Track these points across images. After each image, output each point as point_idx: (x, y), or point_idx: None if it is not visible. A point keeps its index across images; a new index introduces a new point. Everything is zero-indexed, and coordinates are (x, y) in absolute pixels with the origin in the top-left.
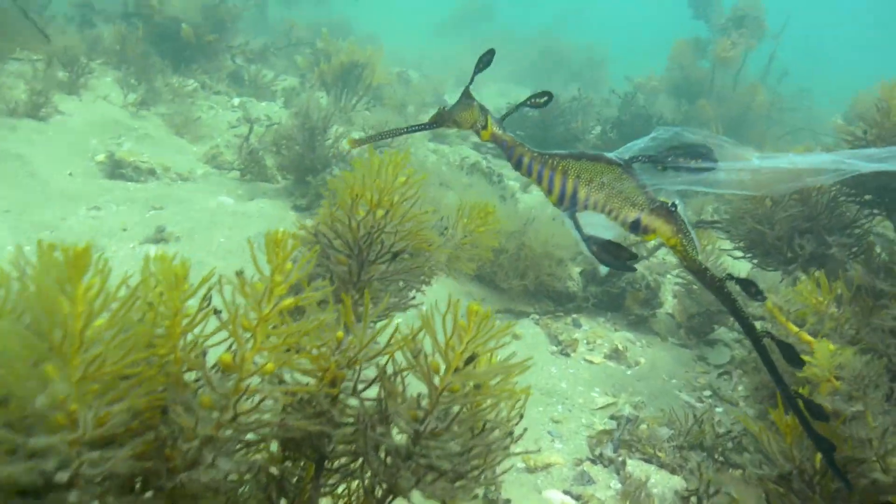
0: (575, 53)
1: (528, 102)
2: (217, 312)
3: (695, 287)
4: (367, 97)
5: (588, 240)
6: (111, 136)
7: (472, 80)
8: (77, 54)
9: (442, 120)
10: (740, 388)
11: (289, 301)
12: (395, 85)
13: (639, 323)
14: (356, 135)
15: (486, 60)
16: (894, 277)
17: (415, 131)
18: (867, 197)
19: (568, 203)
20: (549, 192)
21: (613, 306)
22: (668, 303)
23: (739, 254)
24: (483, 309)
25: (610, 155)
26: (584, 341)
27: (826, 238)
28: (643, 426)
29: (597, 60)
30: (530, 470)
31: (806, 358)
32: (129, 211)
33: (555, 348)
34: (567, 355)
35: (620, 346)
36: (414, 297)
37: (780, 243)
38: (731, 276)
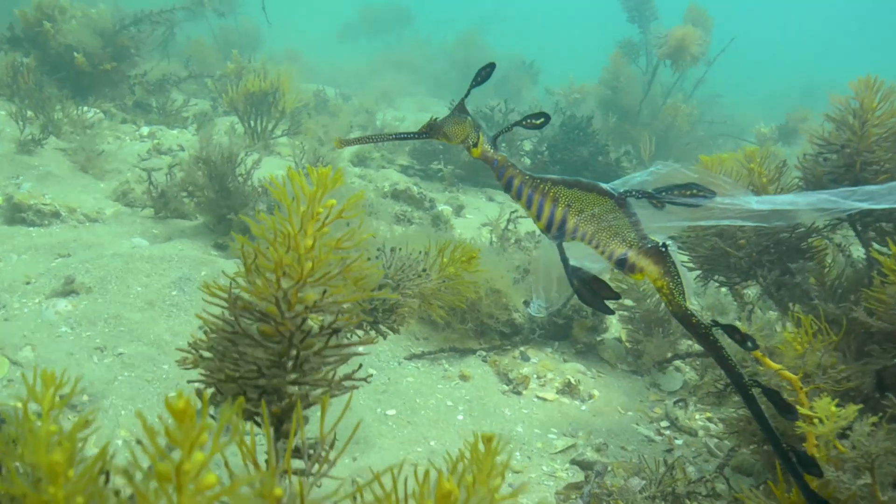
0: (500, 63)
1: (524, 123)
2: None
3: (637, 314)
4: (286, 121)
5: (572, 272)
6: (8, 177)
7: (467, 93)
8: None
9: (432, 132)
10: (697, 416)
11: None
12: (311, 108)
13: (587, 351)
14: (276, 163)
15: (484, 74)
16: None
17: (403, 139)
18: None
19: (555, 231)
20: (536, 218)
21: (560, 335)
22: (614, 326)
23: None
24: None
25: (605, 186)
26: (535, 376)
27: (790, 265)
28: (613, 479)
29: (523, 71)
30: None
31: (802, 410)
32: (32, 260)
33: (506, 387)
34: (519, 394)
35: (573, 380)
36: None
37: (745, 265)
38: (716, 323)
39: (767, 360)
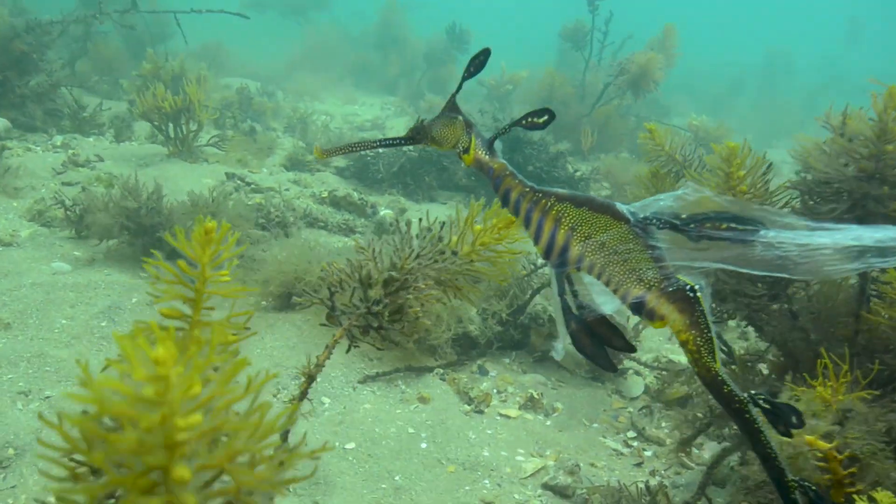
0: (429, 53)
1: (524, 122)
2: None
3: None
4: (210, 127)
5: (568, 313)
6: None
7: (459, 86)
8: None
9: (419, 136)
10: (664, 423)
11: None
12: (235, 109)
13: (545, 359)
14: (205, 170)
15: (478, 63)
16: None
17: (388, 146)
18: None
19: (555, 259)
20: (535, 241)
21: (518, 345)
22: None
23: None
24: None
25: (622, 207)
26: (495, 391)
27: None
28: None
29: (454, 41)
30: None
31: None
32: None
33: (467, 407)
34: (481, 413)
35: (535, 394)
36: None
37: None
38: (757, 396)
39: (833, 458)
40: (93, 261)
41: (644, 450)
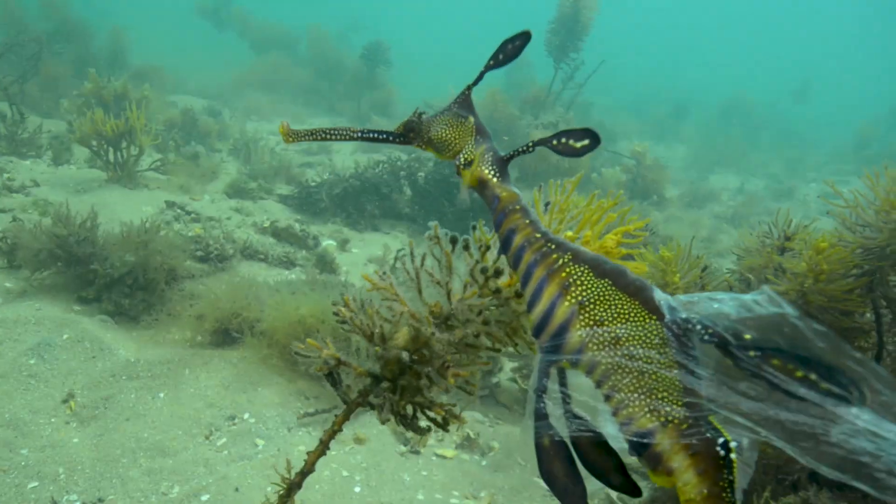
0: (369, 77)
1: (555, 144)
2: None
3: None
4: (151, 151)
5: (544, 423)
6: None
7: (480, 75)
8: None
9: (412, 133)
10: None
11: None
12: (177, 131)
13: (484, 396)
14: (144, 197)
15: (514, 47)
16: None
17: (370, 139)
18: None
19: (547, 340)
20: (528, 306)
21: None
22: (508, 365)
23: None
24: None
25: (659, 295)
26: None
27: None
28: None
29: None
30: None
31: None
32: None
33: (403, 448)
34: (417, 453)
35: (472, 433)
36: None
37: None
38: None
39: None
40: (24, 293)
41: None
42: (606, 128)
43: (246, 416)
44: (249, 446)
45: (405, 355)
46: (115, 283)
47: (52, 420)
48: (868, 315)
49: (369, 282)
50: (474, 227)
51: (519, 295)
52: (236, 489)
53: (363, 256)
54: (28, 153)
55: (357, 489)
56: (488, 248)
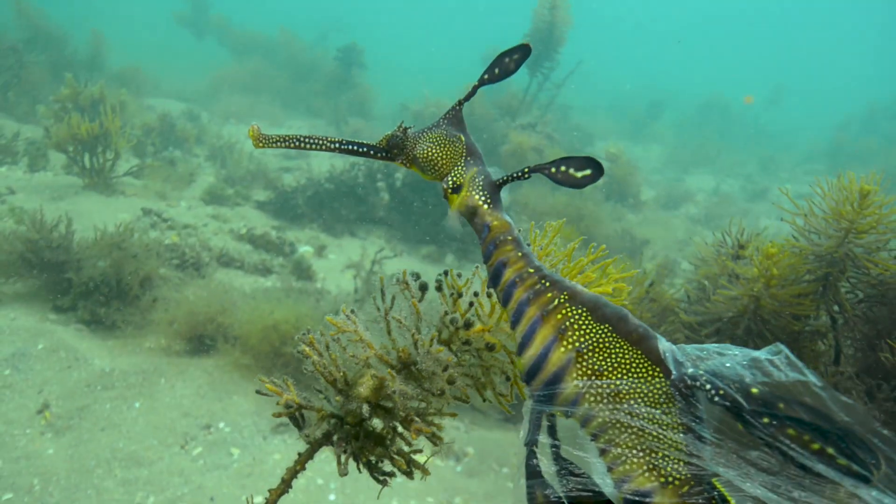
0: (346, 77)
1: (553, 171)
2: None
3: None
4: (128, 156)
5: (536, 478)
6: None
7: (474, 90)
8: None
9: (396, 150)
10: None
11: None
12: (156, 136)
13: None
14: (121, 204)
15: (512, 62)
16: None
17: (348, 152)
18: None
19: (539, 387)
20: (519, 349)
21: None
22: None
23: None
24: None
25: (664, 345)
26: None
27: None
28: None
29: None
30: None
31: None
32: None
33: None
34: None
35: (447, 439)
36: None
37: None
38: None
39: None
40: None
41: None
42: (584, 129)
43: (221, 424)
44: (225, 455)
45: (366, 409)
46: (90, 292)
47: (27, 431)
48: (824, 318)
49: (334, 324)
50: (446, 273)
51: (491, 348)
52: (211, 499)
53: (340, 263)
54: (4, 160)
55: (332, 497)
56: (460, 295)
